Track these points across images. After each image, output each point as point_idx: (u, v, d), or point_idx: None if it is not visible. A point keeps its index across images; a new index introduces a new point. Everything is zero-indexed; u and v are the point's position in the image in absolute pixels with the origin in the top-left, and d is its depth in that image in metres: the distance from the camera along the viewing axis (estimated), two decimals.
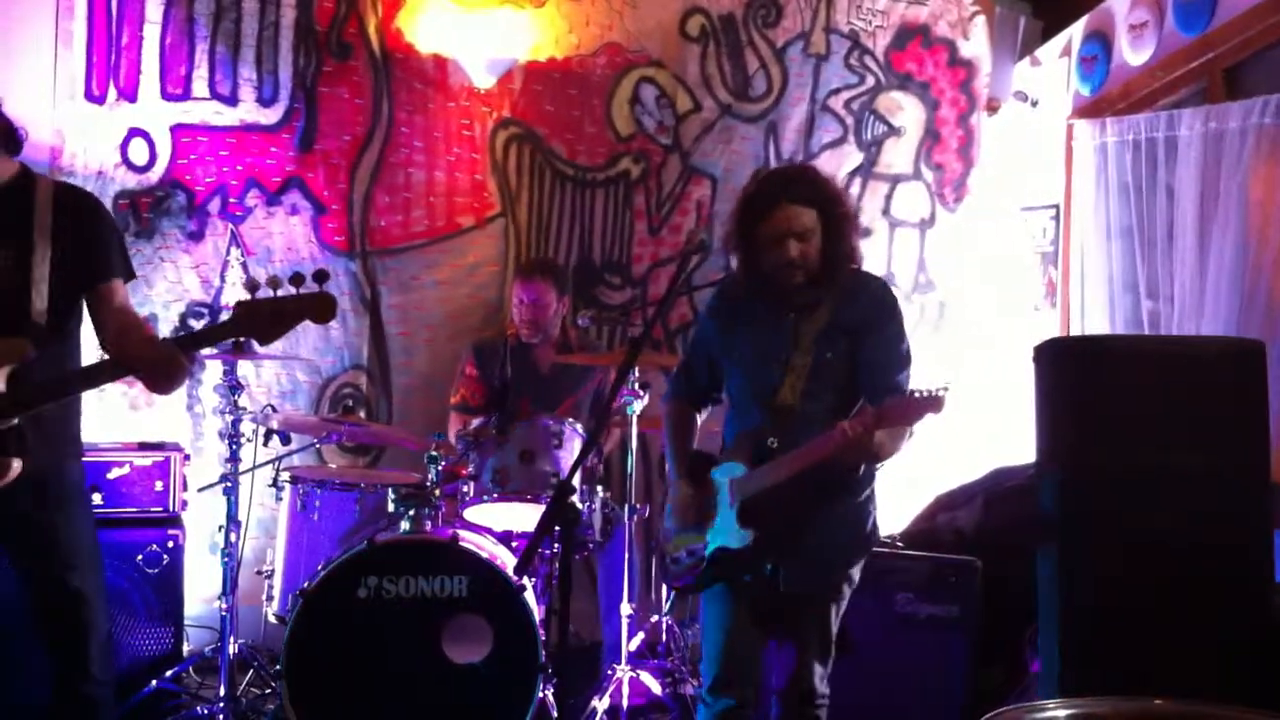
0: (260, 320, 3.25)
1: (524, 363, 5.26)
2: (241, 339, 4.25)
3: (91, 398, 3.75)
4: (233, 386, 4.55)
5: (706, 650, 3.62)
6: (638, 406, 4.76)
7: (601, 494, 4.79)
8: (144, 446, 5.05)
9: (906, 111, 6.10)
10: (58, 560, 3.42)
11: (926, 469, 6.13)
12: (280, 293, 3.23)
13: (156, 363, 3.26)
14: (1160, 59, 5.15)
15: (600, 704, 4.61)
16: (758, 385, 3.56)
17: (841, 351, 3.49)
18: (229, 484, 4.59)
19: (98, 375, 3.39)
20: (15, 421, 3.22)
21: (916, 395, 3.16)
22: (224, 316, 5.32)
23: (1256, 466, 3.59)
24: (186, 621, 4.96)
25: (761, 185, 3.61)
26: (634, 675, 4.69)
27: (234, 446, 4.58)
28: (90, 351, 3.56)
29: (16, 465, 3.23)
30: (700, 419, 3.83)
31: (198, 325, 5.42)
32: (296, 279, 3.23)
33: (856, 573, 3.59)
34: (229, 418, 4.56)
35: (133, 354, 3.29)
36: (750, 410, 3.60)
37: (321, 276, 3.25)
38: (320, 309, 3.26)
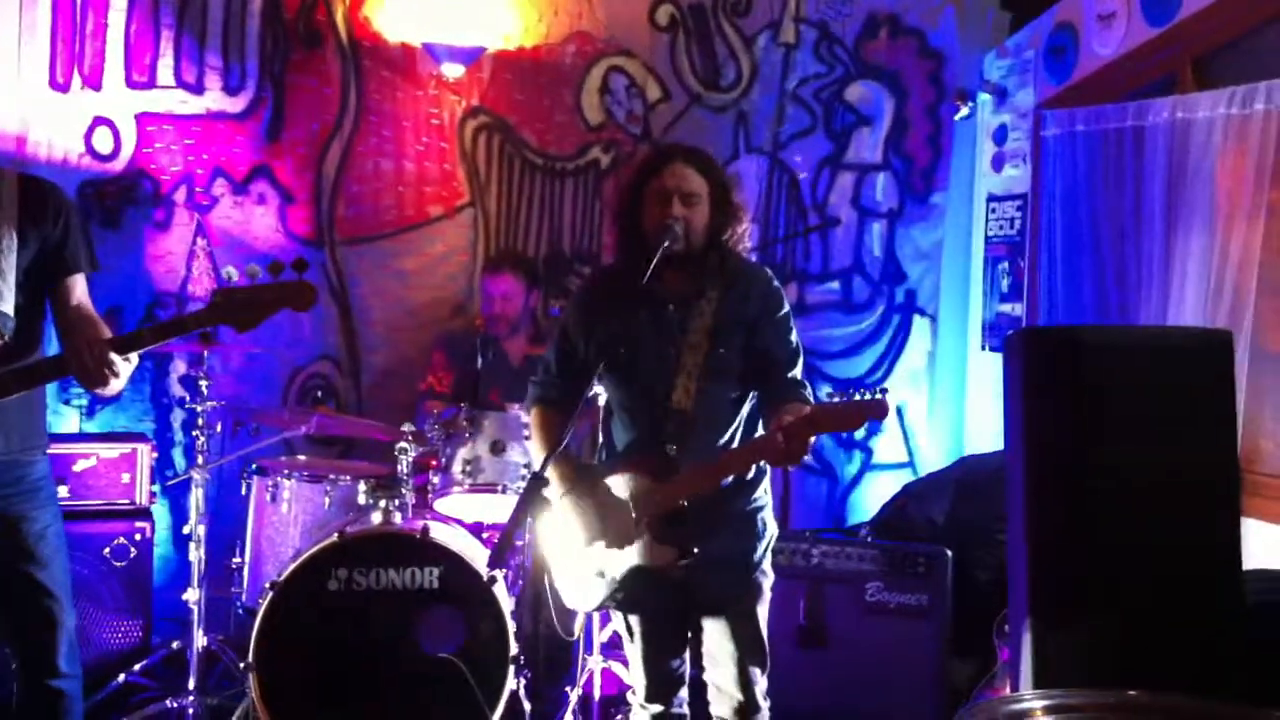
0: (238, 308, 3.23)
1: (495, 355, 5.24)
2: (211, 329, 4.22)
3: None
4: (200, 378, 4.51)
5: (634, 661, 3.54)
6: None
7: None
8: (111, 438, 5.02)
9: (875, 101, 6.10)
10: (23, 554, 3.37)
11: (893, 457, 6.19)
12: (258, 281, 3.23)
13: (87, 367, 3.17)
14: (1129, 49, 5.16)
15: (572, 694, 4.60)
16: (645, 387, 3.35)
17: (735, 346, 3.31)
18: (197, 476, 4.55)
19: (37, 374, 3.31)
20: None
21: (858, 399, 3.01)
22: (191, 307, 5.31)
23: (1225, 455, 3.61)
24: (155, 614, 4.92)
25: (657, 148, 3.55)
26: (605, 666, 4.68)
27: (202, 438, 4.55)
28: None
29: None
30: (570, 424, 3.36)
31: (164, 316, 5.35)
32: (275, 267, 3.23)
33: (768, 565, 3.46)
34: (197, 409, 4.53)
35: (69, 355, 3.23)
36: (640, 415, 3.39)
37: (301, 265, 3.26)
38: (299, 297, 3.25)
